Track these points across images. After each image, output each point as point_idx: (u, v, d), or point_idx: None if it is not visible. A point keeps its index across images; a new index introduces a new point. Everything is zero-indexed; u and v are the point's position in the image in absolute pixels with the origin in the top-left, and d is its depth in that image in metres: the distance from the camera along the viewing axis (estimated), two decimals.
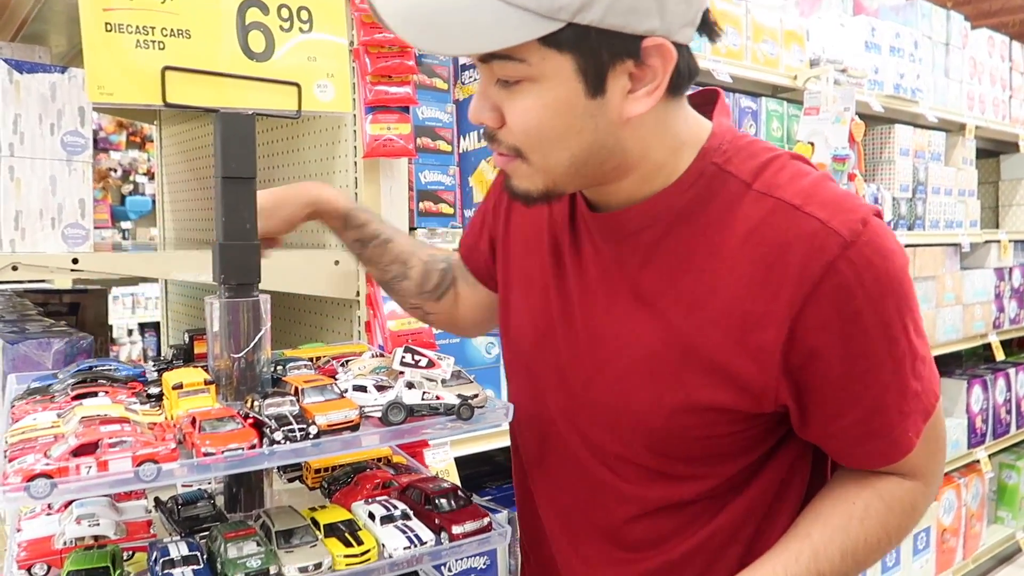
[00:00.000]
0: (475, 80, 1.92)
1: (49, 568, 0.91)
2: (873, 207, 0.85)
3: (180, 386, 0.96)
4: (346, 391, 0.98)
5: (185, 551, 0.88)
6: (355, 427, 0.93)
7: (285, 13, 1.16)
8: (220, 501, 1.07)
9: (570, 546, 1.04)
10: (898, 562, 3.17)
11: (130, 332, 5.48)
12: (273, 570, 0.86)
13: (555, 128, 0.82)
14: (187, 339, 1.18)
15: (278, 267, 1.49)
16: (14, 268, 1.26)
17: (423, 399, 0.97)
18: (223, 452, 0.83)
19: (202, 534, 0.96)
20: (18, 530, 0.97)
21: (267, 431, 0.88)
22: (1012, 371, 3.84)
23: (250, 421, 0.91)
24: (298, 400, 0.94)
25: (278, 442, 0.87)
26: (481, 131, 1.88)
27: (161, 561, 0.86)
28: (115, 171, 5.50)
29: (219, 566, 0.87)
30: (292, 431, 0.88)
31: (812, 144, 2.66)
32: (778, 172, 0.87)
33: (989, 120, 3.75)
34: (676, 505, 0.96)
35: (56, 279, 1.52)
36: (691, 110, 0.92)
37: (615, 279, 0.94)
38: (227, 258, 1.03)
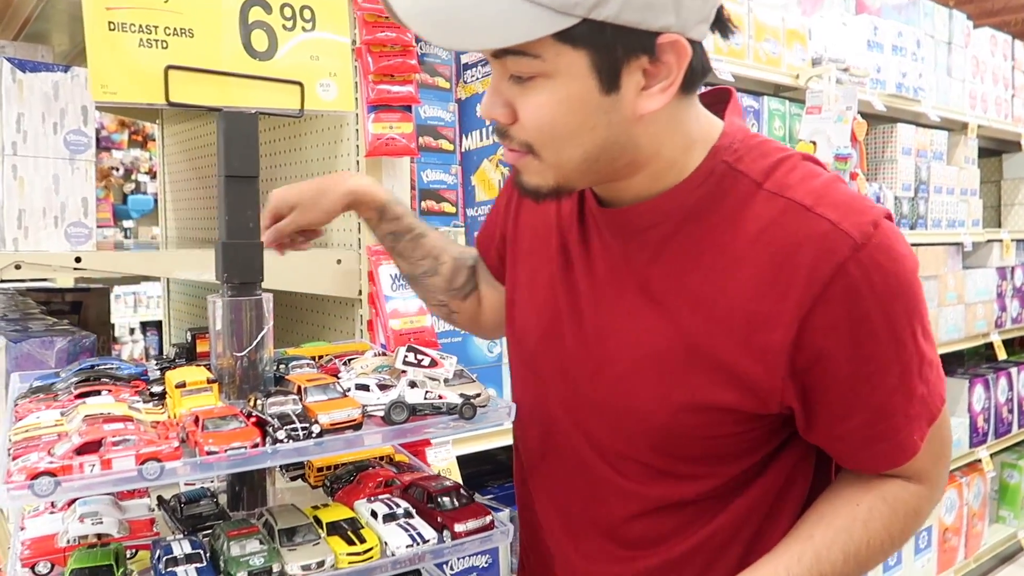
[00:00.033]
0: (477, 79, 1.92)
1: (52, 566, 0.91)
2: (884, 209, 0.84)
3: (183, 384, 0.97)
4: (349, 390, 0.99)
5: (188, 549, 0.89)
6: (358, 426, 0.93)
7: (288, 12, 1.16)
8: (223, 499, 1.08)
9: (570, 543, 1.04)
10: (900, 561, 3.17)
11: (132, 331, 5.49)
12: (276, 568, 0.86)
13: (568, 124, 0.82)
14: (190, 337, 1.18)
15: (280, 266, 1.49)
16: (17, 267, 1.27)
17: (425, 398, 0.97)
18: (226, 451, 0.84)
19: (205, 532, 0.96)
20: (22, 528, 0.97)
21: (270, 430, 0.88)
22: (1014, 370, 3.84)
23: (253, 420, 0.91)
24: (301, 399, 0.94)
25: (281, 441, 0.87)
26: (483, 130, 1.89)
27: (164, 559, 0.87)
28: (117, 170, 5.50)
29: (222, 564, 0.87)
30: (295, 430, 0.88)
31: (814, 143, 2.66)
32: (789, 172, 0.87)
33: (991, 119, 3.74)
34: (677, 504, 0.96)
35: (58, 278, 1.53)
36: (702, 108, 0.92)
37: (623, 275, 0.94)
38: (230, 257, 1.03)
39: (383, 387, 0.99)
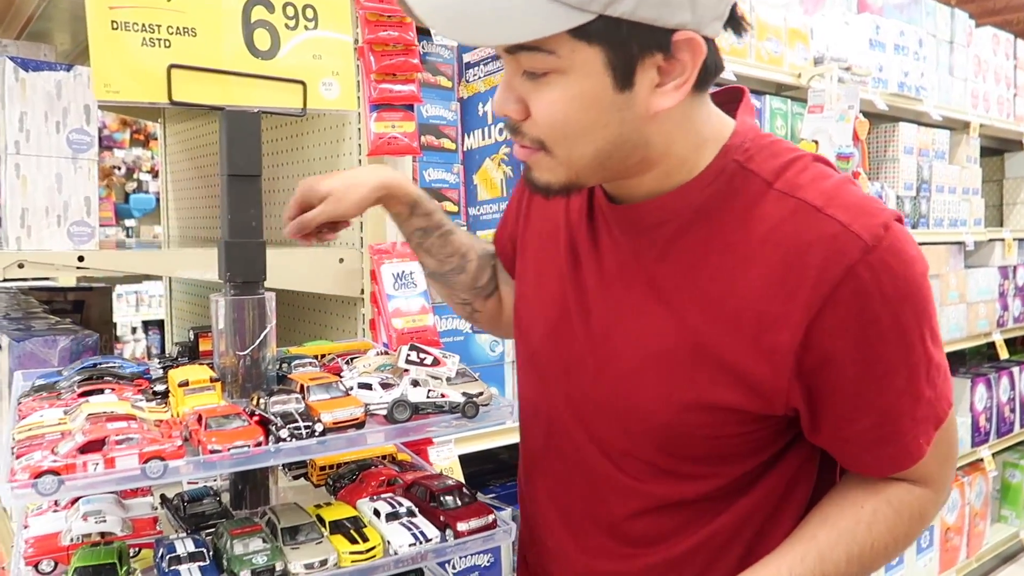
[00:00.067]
0: (479, 78, 1.92)
1: (56, 564, 0.91)
2: (895, 212, 0.84)
3: (186, 383, 0.97)
4: (351, 389, 0.99)
5: (191, 547, 0.89)
6: (360, 425, 0.93)
7: (291, 11, 1.16)
8: (226, 498, 1.08)
9: (571, 539, 1.04)
10: (902, 561, 3.16)
11: (134, 330, 5.50)
12: (279, 566, 0.86)
13: (581, 121, 0.81)
14: (192, 336, 1.18)
15: (283, 265, 1.50)
16: (20, 266, 1.27)
17: (428, 397, 0.97)
18: (229, 449, 0.84)
19: (208, 531, 0.97)
20: (25, 527, 0.97)
21: (273, 428, 0.88)
22: (1016, 370, 3.83)
23: (256, 418, 0.91)
24: (303, 398, 0.94)
25: (284, 439, 0.87)
26: (485, 129, 1.89)
27: (167, 557, 0.87)
28: (119, 169, 5.51)
29: (225, 562, 0.87)
30: (298, 428, 0.88)
31: (816, 142, 2.65)
32: (800, 173, 0.87)
33: (993, 118, 3.74)
34: (679, 503, 0.95)
35: (61, 277, 1.53)
36: (714, 107, 0.92)
37: (631, 272, 0.94)
38: (232, 256, 1.03)
39: (385, 386, 0.99)
